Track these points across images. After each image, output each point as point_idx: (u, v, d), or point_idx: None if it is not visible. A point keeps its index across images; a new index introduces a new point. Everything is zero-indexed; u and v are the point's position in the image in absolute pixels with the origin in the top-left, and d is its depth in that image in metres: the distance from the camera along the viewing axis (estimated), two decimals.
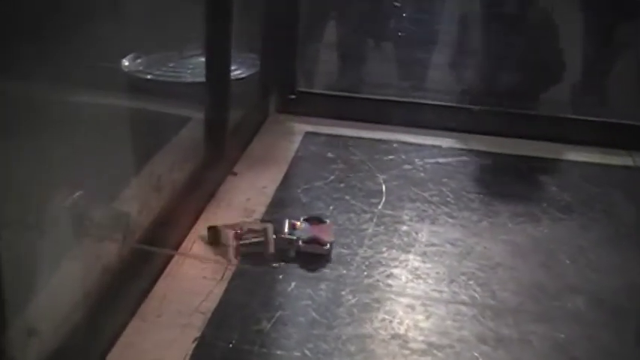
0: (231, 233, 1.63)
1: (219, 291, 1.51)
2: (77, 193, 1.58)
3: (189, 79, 2.40)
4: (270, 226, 1.65)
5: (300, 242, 1.65)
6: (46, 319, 1.29)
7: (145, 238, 1.58)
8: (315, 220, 1.74)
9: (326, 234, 1.69)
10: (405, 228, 1.82)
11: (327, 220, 1.76)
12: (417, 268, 1.65)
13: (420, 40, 3.47)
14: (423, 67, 3.37)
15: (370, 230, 1.79)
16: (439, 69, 3.20)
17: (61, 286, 1.43)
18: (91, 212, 1.65)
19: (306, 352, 1.35)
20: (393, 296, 1.54)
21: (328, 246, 1.66)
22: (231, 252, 1.61)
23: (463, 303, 1.53)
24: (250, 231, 1.65)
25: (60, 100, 1.90)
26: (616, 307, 1.57)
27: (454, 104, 2.54)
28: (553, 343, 1.44)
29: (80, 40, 1.88)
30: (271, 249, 1.62)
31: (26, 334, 1.20)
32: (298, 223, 1.70)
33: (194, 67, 2.43)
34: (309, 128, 2.40)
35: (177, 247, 1.65)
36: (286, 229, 1.67)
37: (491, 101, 2.54)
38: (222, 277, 1.56)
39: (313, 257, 1.64)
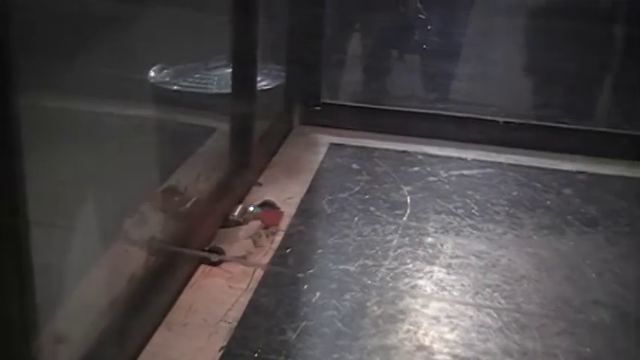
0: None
1: (244, 300, 1.52)
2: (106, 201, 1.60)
3: (215, 90, 2.42)
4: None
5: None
6: (74, 327, 1.31)
7: (170, 247, 1.60)
8: (267, 207, 1.86)
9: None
10: (429, 240, 1.82)
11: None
12: (441, 280, 1.65)
13: (445, 53, 3.48)
14: (447, 79, 3.38)
15: (395, 242, 1.79)
16: (464, 81, 3.21)
17: (88, 293, 1.45)
18: (119, 220, 1.67)
19: None
20: (418, 307, 1.54)
21: None
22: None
23: (488, 315, 1.53)
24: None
25: (88, 110, 1.93)
26: None
27: (479, 116, 2.53)
28: (578, 356, 1.44)
29: (108, 52, 1.91)
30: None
31: (55, 341, 1.21)
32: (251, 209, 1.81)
33: (219, 79, 2.45)
34: (334, 140, 2.41)
35: (203, 256, 1.66)
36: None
37: (518, 114, 2.54)
38: (248, 287, 1.57)
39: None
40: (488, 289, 1.63)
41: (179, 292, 1.54)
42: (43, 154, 1.35)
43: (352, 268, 1.66)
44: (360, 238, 1.80)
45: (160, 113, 2.24)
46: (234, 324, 1.44)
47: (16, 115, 0.86)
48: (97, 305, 1.39)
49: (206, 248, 1.66)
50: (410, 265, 1.70)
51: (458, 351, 1.42)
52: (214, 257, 1.62)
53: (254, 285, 1.57)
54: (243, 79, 1.97)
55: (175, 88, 2.44)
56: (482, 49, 3.16)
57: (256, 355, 1.36)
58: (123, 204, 1.76)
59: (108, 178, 1.76)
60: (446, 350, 1.42)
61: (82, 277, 1.42)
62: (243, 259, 1.66)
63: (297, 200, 1.98)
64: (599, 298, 1.64)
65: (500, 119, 2.51)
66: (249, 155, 2.03)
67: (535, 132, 2.49)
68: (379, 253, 1.74)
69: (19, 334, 0.94)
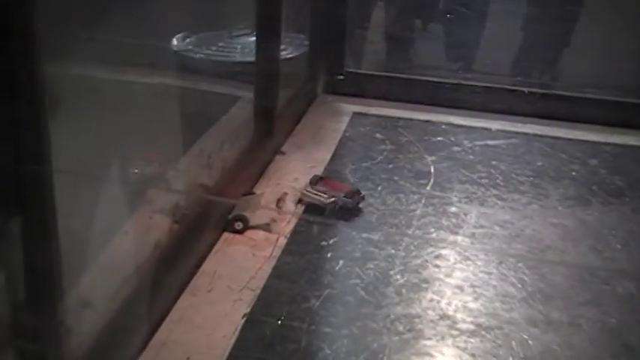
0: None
1: (268, 268, 1.52)
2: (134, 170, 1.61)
3: (239, 59, 2.41)
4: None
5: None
6: (100, 292, 1.32)
7: (195, 214, 1.60)
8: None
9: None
10: (453, 209, 1.81)
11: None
12: (465, 250, 1.65)
13: (469, 22, 3.43)
14: (472, 48, 3.35)
15: (419, 211, 1.79)
16: (488, 50, 3.17)
17: (113, 259, 1.46)
18: (144, 188, 1.68)
19: (355, 330, 1.36)
20: (441, 277, 1.54)
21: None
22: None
23: (512, 285, 1.52)
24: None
25: (112, 78, 1.93)
26: None
27: (504, 86, 2.51)
28: (604, 327, 1.43)
29: (131, 20, 1.90)
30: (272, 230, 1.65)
31: (81, 306, 1.22)
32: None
33: (243, 47, 2.44)
34: (357, 109, 2.39)
35: (227, 224, 1.66)
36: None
37: (544, 83, 2.52)
38: (271, 255, 1.57)
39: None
40: (512, 259, 1.62)
41: (203, 259, 1.54)
42: (69, 121, 1.35)
43: (376, 237, 1.66)
44: (383, 207, 1.79)
45: (183, 81, 2.24)
46: (258, 291, 1.44)
47: (42, 77, 0.86)
48: (123, 270, 1.40)
49: (230, 216, 1.65)
50: (434, 235, 1.70)
51: (481, 320, 1.41)
52: (238, 225, 1.62)
53: (277, 253, 1.58)
54: (267, 47, 1.96)
55: (198, 56, 2.43)
56: (507, 19, 3.12)
57: (279, 322, 1.36)
58: (147, 171, 1.76)
59: (132, 145, 1.77)
60: (469, 319, 1.41)
61: (108, 243, 1.43)
62: (267, 226, 1.65)
63: (320, 169, 1.98)
64: (625, 268, 1.63)
65: (526, 89, 2.48)
66: (273, 124, 2.02)
67: (561, 102, 2.46)
68: (403, 222, 1.73)
69: (45, 296, 0.94)
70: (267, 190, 1.69)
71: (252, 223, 1.63)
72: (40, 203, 0.91)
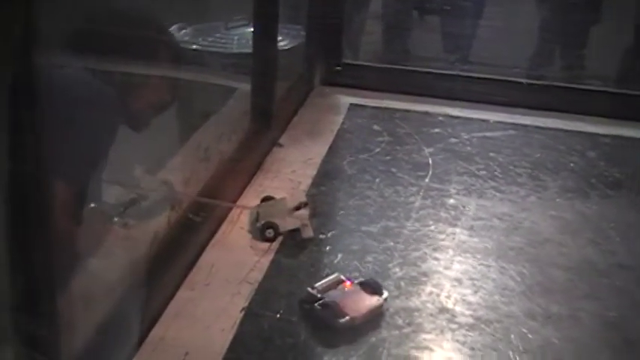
0: None
1: (266, 261, 1.51)
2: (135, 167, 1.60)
3: (235, 50, 2.40)
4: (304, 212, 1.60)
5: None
6: (97, 287, 1.31)
7: (192, 207, 1.59)
8: (370, 288, 1.39)
9: (356, 306, 1.34)
10: (452, 201, 1.80)
11: (384, 293, 1.39)
12: (464, 242, 1.64)
13: (466, 13, 3.43)
14: (469, 39, 3.34)
15: (417, 203, 1.78)
16: (485, 42, 3.17)
17: (110, 253, 1.45)
18: (141, 181, 1.67)
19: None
20: (440, 269, 1.53)
21: (345, 319, 1.31)
22: None
23: (511, 278, 1.52)
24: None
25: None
26: None
27: (502, 77, 2.50)
28: (603, 321, 1.42)
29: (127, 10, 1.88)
30: (308, 233, 1.58)
31: (79, 301, 1.21)
32: (348, 284, 1.40)
33: (240, 38, 2.43)
34: (355, 100, 2.38)
35: (224, 216, 1.65)
36: (320, 283, 1.39)
37: (543, 75, 2.51)
38: (269, 248, 1.56)
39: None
40: (511, 252, 1.61)
41: (200, 252, 1.53)
42: None
43: (374, 230, 1.65)
44: (381, 199, 1.78)
45: (179, 73, 2.22)
46: (256, 285, 1.43)
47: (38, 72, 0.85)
48: (120, 264, 1.40)
49: (259, 225, 1.59)
50: (432, 227, 1.69)
51: (481, 313, 1.40)
52: (270, 233, 1.56)
53: (275, 246, 1.57)
54: (265, 38, 1.95)
55: (195, 47, 2.42)
56: (505, 9, 3.12)
57: (278, 316, 1.35)
58: (145, 163, 1.76)
59: (128, 136, 1.76)
60: (468, 313, 1.41)
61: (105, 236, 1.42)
62: (299, 231, 1.59)
63: (318, 161, 1.97)
64: (624, 261, 1.62)
65: (524, 80, 2.48)
66: (271, 116, 2.01)
67: (559, 94, 2.46)
68: (401, 214, 1.72)
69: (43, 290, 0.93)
70: (285, 196, 1.65)
71: (281, 229, 1.59)
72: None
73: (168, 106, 1.84)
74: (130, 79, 1.71)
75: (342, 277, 1.41)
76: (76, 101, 1.48)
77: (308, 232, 1.57)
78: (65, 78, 1.57)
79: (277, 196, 1.68)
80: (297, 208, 1.59)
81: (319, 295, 1.36)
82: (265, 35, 1.95)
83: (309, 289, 1.38)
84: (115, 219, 1.57)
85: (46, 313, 0.93)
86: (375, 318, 1.35)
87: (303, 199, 1.63)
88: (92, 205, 1.59)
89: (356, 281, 1.41)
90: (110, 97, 1.65)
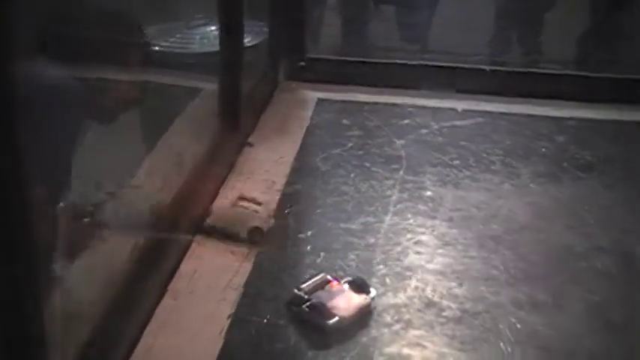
0: None
1: (248, 265, 1.49)
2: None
3: (198, 50, 2.37)
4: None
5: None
6: (79, 302, 1.27)
7: (167, 212, 1.56)
8: (357, 287, 1.38)
9: (344, 306, 1.33)
10: (428, 193, 1.80)
11: (372, 291, 1.37)
12: (444, 234, 1.63)
13: (421, 2, 3.44)
14: (425, 28, 3.35)
15: (394, 197, 1.77)
16: (444, 30, 3.17)
17: (89, 266, 1.42)
18: (111, 190, 1.64)
19: None
20: (423, 263, 1.53)
21: (334, 320, 1.30)
22: None
23: (495, 267, 1.52)
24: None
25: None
26: None
27: (465, 65, 2.50)
28: (588, 305, 1.43)
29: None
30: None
31: (62, 317, 1.18)
32: (335, 284, 1.39)
33: (202, 37, 2.39)
34: (321, 95, 2.36)
35: (200, 219, 1.62)
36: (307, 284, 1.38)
37: (504, 61, 2.52)
38: (250, 251, 1.53)
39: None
40: (491, 242, 1.61)
41: (180, 260, 1.50)
42: None
43: (354, 226, 1.64)
44: (358, 195, 1.77)
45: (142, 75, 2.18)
46: (241, 290, 1.41)
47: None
48: (100, 277, 1.36)
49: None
50: (411, 221, 1.68)
51: (467, 306, 1.40)
52: None
53: (255, 249, 1.54)
54: (231, 36, 1.91)
55: (156, 48, 2.38)
56: None
57: (265, 321, 1.33)
58: (109, 170, 1.72)
59: (91, 143, 1.72)
60: (455, 306, 1.40)
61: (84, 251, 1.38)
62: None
63: (290, 159, 1.95)
64: (601, 243, 1.63)
65: (487, 67, 2.49)
66: (239, 115, 1.98)
67: (521, 79, 2.47)
68: (379, 209, 1.71)
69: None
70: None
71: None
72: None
73: (137, 101, 1.82)
74: (98, 74, 1.68)
75: (329, 277, 1.40)
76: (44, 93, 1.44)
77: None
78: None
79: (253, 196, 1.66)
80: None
81: (306, 297, 1.35)
82: (231, 33, 1.92)
83: (296, 290, 1.36)
84: (85, 219, 1.54)
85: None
86: (363, 317, 1.34)
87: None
88: (61, 204, 1.57)
89: (342, 280, 1.40)
90: (76, 90, 1.62)
